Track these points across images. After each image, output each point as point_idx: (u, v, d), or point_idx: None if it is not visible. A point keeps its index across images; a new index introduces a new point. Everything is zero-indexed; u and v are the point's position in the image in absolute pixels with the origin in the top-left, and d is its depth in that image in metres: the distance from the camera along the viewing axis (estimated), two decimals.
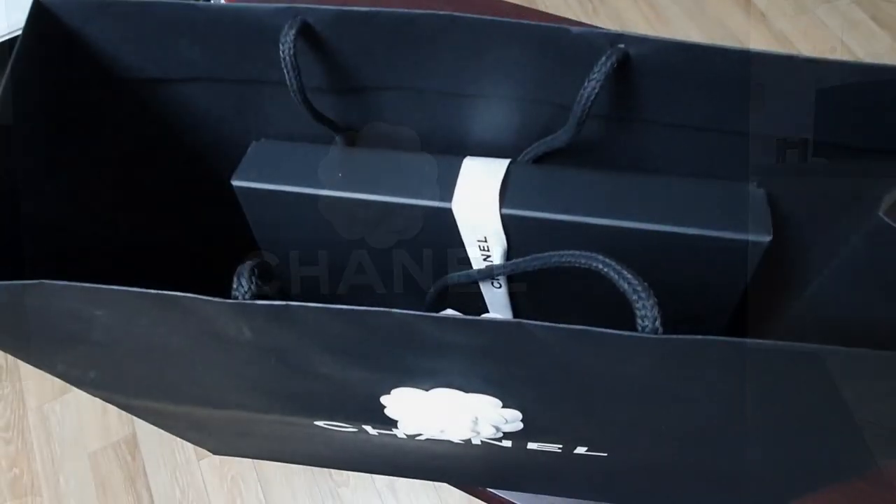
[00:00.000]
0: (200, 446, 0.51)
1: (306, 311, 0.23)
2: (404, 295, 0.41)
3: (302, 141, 0.38)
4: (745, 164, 0.33)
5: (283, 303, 0.23)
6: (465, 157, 0.36)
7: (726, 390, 0.24)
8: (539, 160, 0.36)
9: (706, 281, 0.34)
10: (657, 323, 0.22)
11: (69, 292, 0.24)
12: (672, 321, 0.38)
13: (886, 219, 0.23)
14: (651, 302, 0.22)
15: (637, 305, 0.22)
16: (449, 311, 0.41)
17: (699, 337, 0.21)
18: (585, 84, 0.27)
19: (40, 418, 1.30)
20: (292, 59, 0.29)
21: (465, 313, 0.41)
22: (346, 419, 0.35)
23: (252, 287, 0.24)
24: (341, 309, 0.22)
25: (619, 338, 0.21)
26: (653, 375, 0.24)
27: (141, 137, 0.37)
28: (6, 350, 0.30)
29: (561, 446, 0.35)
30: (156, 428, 0.47)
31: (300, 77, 0.30)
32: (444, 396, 0.29)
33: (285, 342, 0.25)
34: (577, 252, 0.25)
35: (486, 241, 0.35)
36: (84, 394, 0.37)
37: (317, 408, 0.33)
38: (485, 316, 0.41)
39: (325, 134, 0.37)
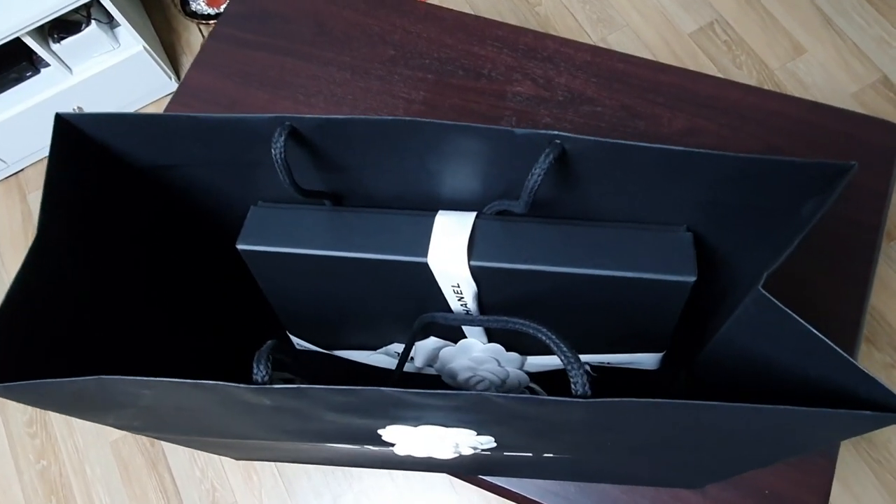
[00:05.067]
0: (223, 456, 0.58)
1: (314, 390, 0.29)
2: (395, 325, 0.47)
3: (295, 201, 0.43)
4: (676, 214, 0.39)
5: (295, 386, 0.29)
6: (437, 211, 0.42)
7: (645, 425, 0.30)
8: (501, 212, 0.41)
9: (646, 311, 0.41)
10: (586, 388, 0.28)
11: (121, 383, 0.30)
12: (622, 341, 0.45)
13: (765, 293, 0.29)
14: (581, 371, 0.28)
15: (570, 374, 0.28)
16: (432, 339, 0.47)
17: (615, 399, 0.27)
18: (529, 176, 0.33)
19: None
20: (283, 160, 0.34)
21: (446, 339, 0.48)
22: (350, 443, 0.41)
23: (269, 370, 0.30)
24: (342, 388, 0.29)
25: (556, 402, 0.27)
26: (588, 419, 0.30)
27: (150, 213, 0.43)
28: (67, 415, 0.36)
29: (531, 454, 0.41)
30: None
31: (290, 171, 0.36)
32: (430, 430, 0.36)
33: (298, 406, 0.32)
34: (527, 322, 0.31)
35: (459, 287, 0.41)
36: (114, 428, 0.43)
37: (326, 438, 0.40)
38: (463, 343, 0.48)
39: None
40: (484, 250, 0.40)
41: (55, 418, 1.37)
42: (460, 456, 0.43)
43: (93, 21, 1.37)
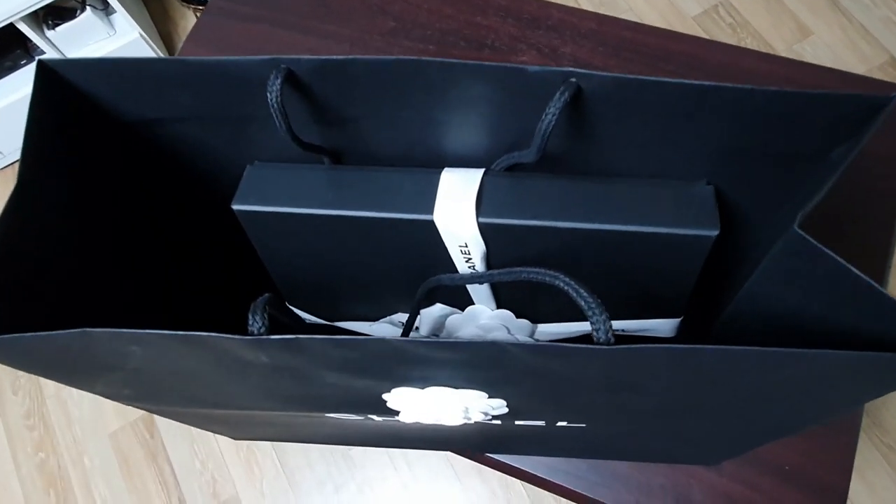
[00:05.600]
0: (220, 434, 0.56)
1: (312, 342, 0.27)
2: (399, 293, 0.45)
3: (293, 160, 0.41)
4: (695, 166, 0.36)
5: (292, 336, 0.27)
6: (443, 168, 0.40)
7: (672, 381, 0.28)
8: (511, 168, 0.39)
9: (664, 270, 0.38)
10: (609, 335, 0.26)
11: (108, 337, 0.28)
12: (637, 305, 0.43)
13: (801, 232, 0.27)
14: (604, 317, 0.26)
15: (592, 320, 0.26)
16: (438, 306, 0.45)
17: (642, 346, 0.25)
18: (543, 117, 0.31)
19: (59, 403, 1.35)
20: (279, 105, 0.32)
21: (452, 305, 0.46)
22: (353, 412, 0.39)
23: (265, 322, 0.28)
24: (341, 339, 0.27)
25: (577, 350, 0.25)
26: (609, 374, 0.28)
27: (142, 172, 0.41)
28: (52, 379, 0.34)
29: (544, 422, 0.39)
30: None
31: (287, 118, 0.34)
32: (438, 393, 0.34)
33: (296, 363, 0.30)
34: (543, 270, 0.29)
35: (466, 247, 0.39)
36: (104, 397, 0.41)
37: (327, 405, 0.38)
38: (471, 309, 0.46)
39: (314, 155, 0.40)
40: (493, 206, 0.38)
41: (53, 410, 1.35)
42: (469, 424, 0.41)
43: (88, 7, 1.34)
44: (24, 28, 1.28)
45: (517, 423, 0.40)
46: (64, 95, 0.35)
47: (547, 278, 0.29)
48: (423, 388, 0.33)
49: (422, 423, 0.42)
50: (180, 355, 0.30)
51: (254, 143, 0.40)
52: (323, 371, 0.30)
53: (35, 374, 0.33)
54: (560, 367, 0.27)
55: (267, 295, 0.29)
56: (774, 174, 0.35)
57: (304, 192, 0.40)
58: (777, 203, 0.37)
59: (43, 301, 0.33)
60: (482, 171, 0.39)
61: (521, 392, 0.32)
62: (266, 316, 0.28)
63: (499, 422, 0.40)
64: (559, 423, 0.40)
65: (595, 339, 0.26)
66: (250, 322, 0.28)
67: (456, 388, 0.33)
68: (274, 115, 0.33)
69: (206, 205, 0.43)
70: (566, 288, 0.28)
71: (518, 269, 0.31)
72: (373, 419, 0.42)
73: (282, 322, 0.31)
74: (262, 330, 0.28)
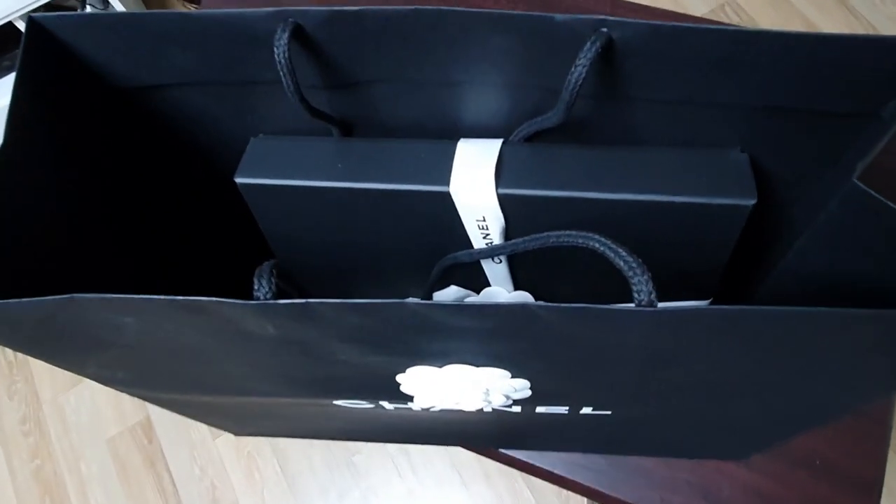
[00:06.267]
0: (221, 429, 0.53)
1: (324, 307, 0.25)
2: (410, 275, 0.43)
3: (299, 134, 0.39)
4: (729, 131, 0.34)
5: (303, 301, 0.24)
6: (459, 139, 0.37)
7: (717, 352, 0.26)
8: (531, 138, 0.37)
9: (697, 244, 0.36)
10: (652, 296, 0.23)
11: (99, 304, 0.25)
12: (666, 285, 0.40)
13: (861, 185, 0.24)
14: (646, 277, 0.23)
15: (633, 281, 0.24)
16: (453, 288, 0.43)
17: (691, 307, 0.22)
18: (572, 69, 0.28)
19: (55, 409, 1.32)
20: (287, 61, 0.30)
21: (468, 288, 0.43)
22: (364, 397, 0.37)
23: (272, 287, 0.25)
24: (357, 303, 0.24)
25: (618, 313, 0.23)
26: (650, 343, 0.25)
27: (139, 143, 0.38)
28: (39, 358, 0.32)
29: (567, 408, 0.37)
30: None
31: (295, 78, 0.31)
32: (457, 372, 0.31)
33: (306, 335, 0.27)
34: (575, 232, 0.27)
35: (484, 221, 0.37)
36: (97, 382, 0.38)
37: (337, 389, 0.35)
38: (487, 291, 0.43)
39: (321, 127, 0.38)
40: (513, 176, 0.35)
41: (49, 415, 1.32)
42: (487, 413, 0.38)
43: (88, 6, 1.33)
44: (22, 27, 1.27)
45: (538, 410, 0.38)
46: (56, 56, 0.33)
47: (580, 240, 0.26)
48: (441, 366, 0.31)
49: (435, 412, 0.39)
50: (178, 328, 0.28)
51: (258, 113, 0.38)
52: (335, 344, 0.28)
53: (20, 350, 0.30)
54: (595, 335, 0.25)
55: (273, 260, 0.27)
56: (816, 136, 0.33)
57: (312, 163, 0.37)
58: (819, 170, 0.34)
59: (29, 273, 0.30)
60: (501, 140, 0.37)
61: (548, 369, 0.30)
62: (273, 281, 0.26)
63: (518, 409, 0.37)
64: (583, 411, 0.37)
65: (637, 301, 0.24)
66: (256, 287, 0.25)
67: (477, 366, 0.30)
68: (281, 73, 0.31)
69: (208, 179, 0.41)
70: (602, 249, 0.25)
71: (545, 234, 0.29)
72: (384, 407, 0.39)
73: (288, 294, 0.29)
74: (269, 296, 0.25)
